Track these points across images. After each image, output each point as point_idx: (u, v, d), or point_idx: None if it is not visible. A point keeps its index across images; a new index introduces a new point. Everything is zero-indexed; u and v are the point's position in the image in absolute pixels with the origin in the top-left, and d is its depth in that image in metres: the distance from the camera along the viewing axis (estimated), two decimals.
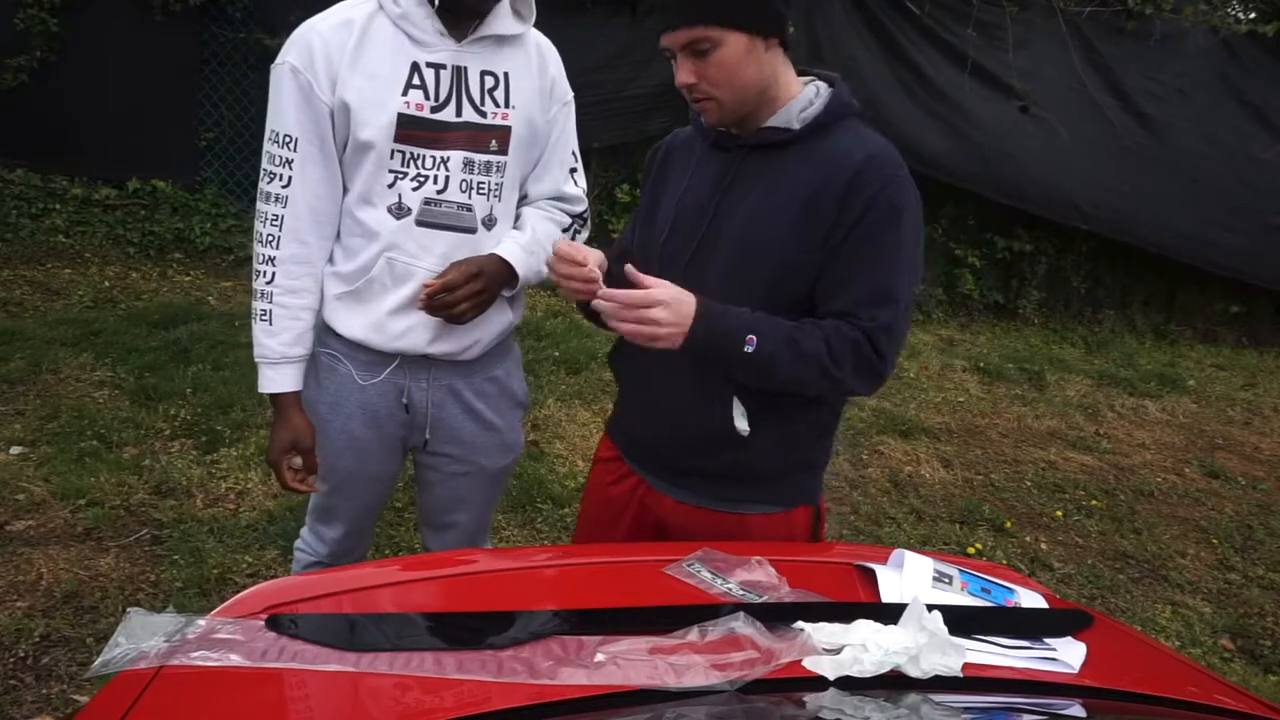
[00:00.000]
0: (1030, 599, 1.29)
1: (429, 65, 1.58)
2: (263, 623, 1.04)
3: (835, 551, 1.43)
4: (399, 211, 1.63)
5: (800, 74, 1.49)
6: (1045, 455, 4.41)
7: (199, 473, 3.20)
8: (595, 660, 0.99)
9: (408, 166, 1.61)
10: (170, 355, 4.04)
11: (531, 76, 1.69)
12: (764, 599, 1.18)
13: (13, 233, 5.12)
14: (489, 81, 1.63)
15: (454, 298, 1.63)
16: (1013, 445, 4.50)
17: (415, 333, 1.67)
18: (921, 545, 3.37)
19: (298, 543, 1.97)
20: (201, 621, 1.04)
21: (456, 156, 1.62)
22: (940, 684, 1.02)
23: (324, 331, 1.72)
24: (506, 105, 1.65)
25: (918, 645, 1.04)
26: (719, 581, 1.22)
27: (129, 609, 1.08)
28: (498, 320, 1.78)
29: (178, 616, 1.05)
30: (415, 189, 1.62)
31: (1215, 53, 6.21)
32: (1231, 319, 6.91)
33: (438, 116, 1.59)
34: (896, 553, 1.33)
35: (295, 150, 1.60)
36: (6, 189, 5.23)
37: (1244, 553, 3.72)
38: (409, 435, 1.79)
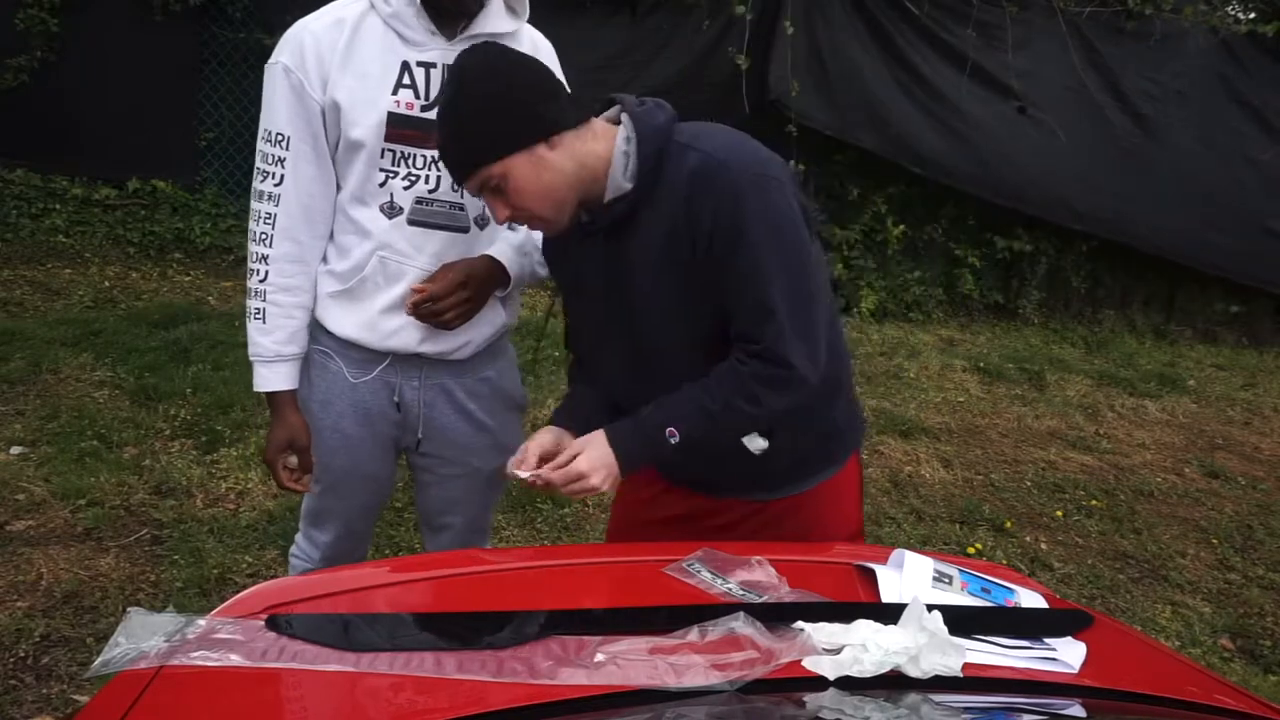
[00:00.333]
0: (1030, 599, 1.29)
1: (419, 64, 1.58)
2: (263, 623, 1.04)
3: (835, 551, 1.44)
4: (391, 210, 1.63)
5: (605, 104, 1.45)
6: (1045, 455, 4.41)
7: (199, 473, 3.20)
8: (595, 660, 0.99)
9: (399, 165, 1.61)
10: (170, 355, 4.04)
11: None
12: (764, 599, 1.18)
13: (13, 233, 5.12)
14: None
15: (440, 306, 1.64)
16: (1013, 445, 4.50)
17: (406, 332, 1.68)
18: (921, 545, 3.37)
19: (293, 549, 1.97)
20: (201, 621, 1.04)
21: (422, 162, 1.62)
22: (940, 684, 1.02)
23: (316, 329, 1.72)
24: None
25: (918, 645, 1.04)
26: (719, 581, 1.22)
27: (129, 609, 1.08)
28: (490, 320, 1.77)
29: (178, 616, 1.06)
30: (407, 188, 1.62)
31: (1214, 53, 6.20)
32: (1231, 319, 6.90)
33: (429, 115, 1.58)
34: (896, 553, 1.33)
35: (288, 149, 1.61)
36: (6, 189, 5.23)
37: (1244, 553, 3.72)
38: (401, 435, 1.79)
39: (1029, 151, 6.07)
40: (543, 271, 1.74)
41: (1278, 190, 6.38)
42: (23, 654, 2.28)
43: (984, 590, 1.27)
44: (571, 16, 5.45)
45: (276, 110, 1.60)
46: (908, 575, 1.26)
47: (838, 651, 1.04)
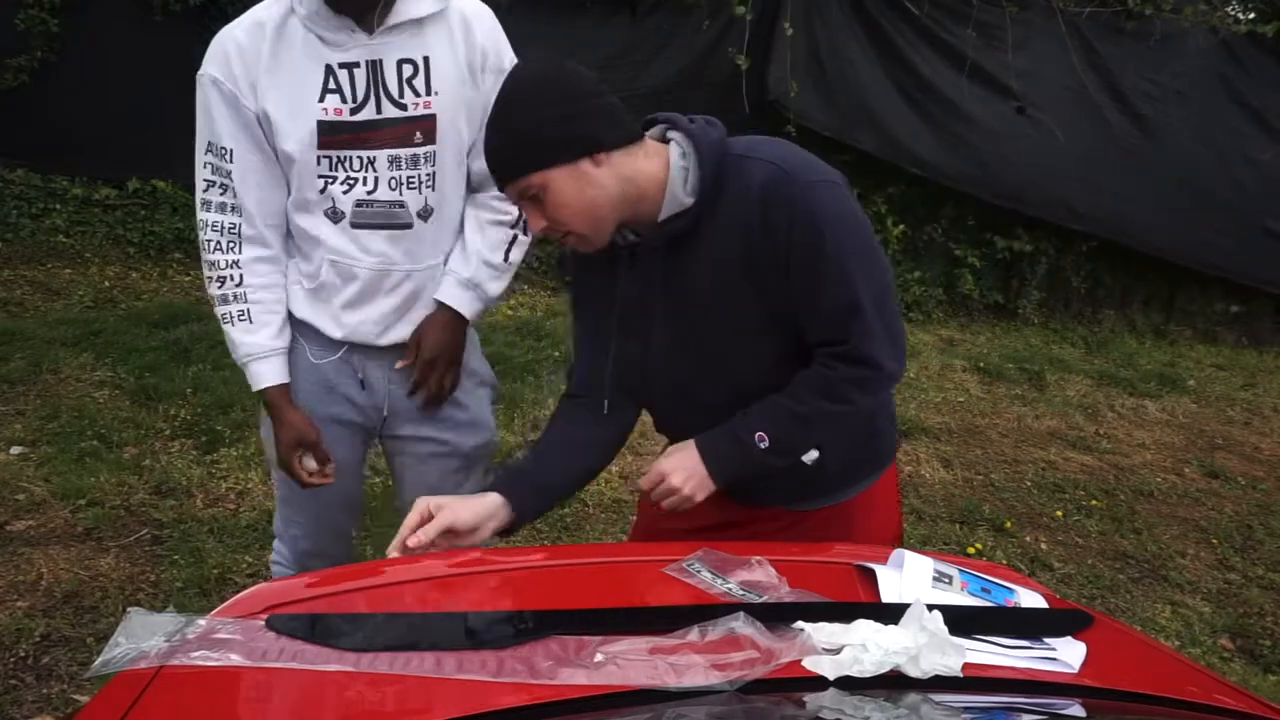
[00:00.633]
0: (1030, 599, 1.29)
1: (342, 66, 1.55)
2: (263, 623, 1.04)
3: (835, 551, 1.43)
4: (335, 215, 1.64)
5: (648, 124, 1.42)
6: (1045, 455, 4.41)
7: (199, 473, 3.20)
8: (595, 660, 0.99)
9: (336, 170, 1.61)
10: (170, 355, 4.04)
11: (456, 52, 1.63)
12: (764, 599, 1.18)
13: (13, 233, 5.12)
14: (407, 70, 1.59)
15: (431, 391, 1.74)
16: (1013, 445, 4.50)
17: (366, 326, 1.71)
18: (921, 545, 3.37)
19: (272, 555, 1.97)
20: (202, 621, 1.04)
21: (382, 156, 1.60)
22: (940, 684, 1.03)
23: None
24: (428, 93, 1.61)
25: (918, 645, 1.04)
26: (719, 581, 1.22)
27: (129, 609, 1.08)
28: None
29: (178, 616, 1.06)
30: (346, 192, 1.62)
31: (1214, 53, 6.20)
32: (1231, 319, 6.90)
33: (358, 118, 1.57)
34: (896, 553, 1.33)
35: (233, 161, 1.61)
36: (7, 189, 5.23)
37: (1244, 553, 3.72)
38: (367, 418, 1.79)
39: (1028, 152, 6.07)
40: (495, 287, 1.79)
41: (1277, 190, 6.38)
42: (23, 654, 2.28)
43: (984, 590, 1.27)
44: (571, 16, 5.45)
45: (215, 122, 1.59)
46: (908, 575, 1.26)
47: (838, 651, 1.04)
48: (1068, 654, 1.15)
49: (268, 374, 1.68)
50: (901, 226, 6.13)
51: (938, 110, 6.01)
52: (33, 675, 2.22)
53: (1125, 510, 3.95)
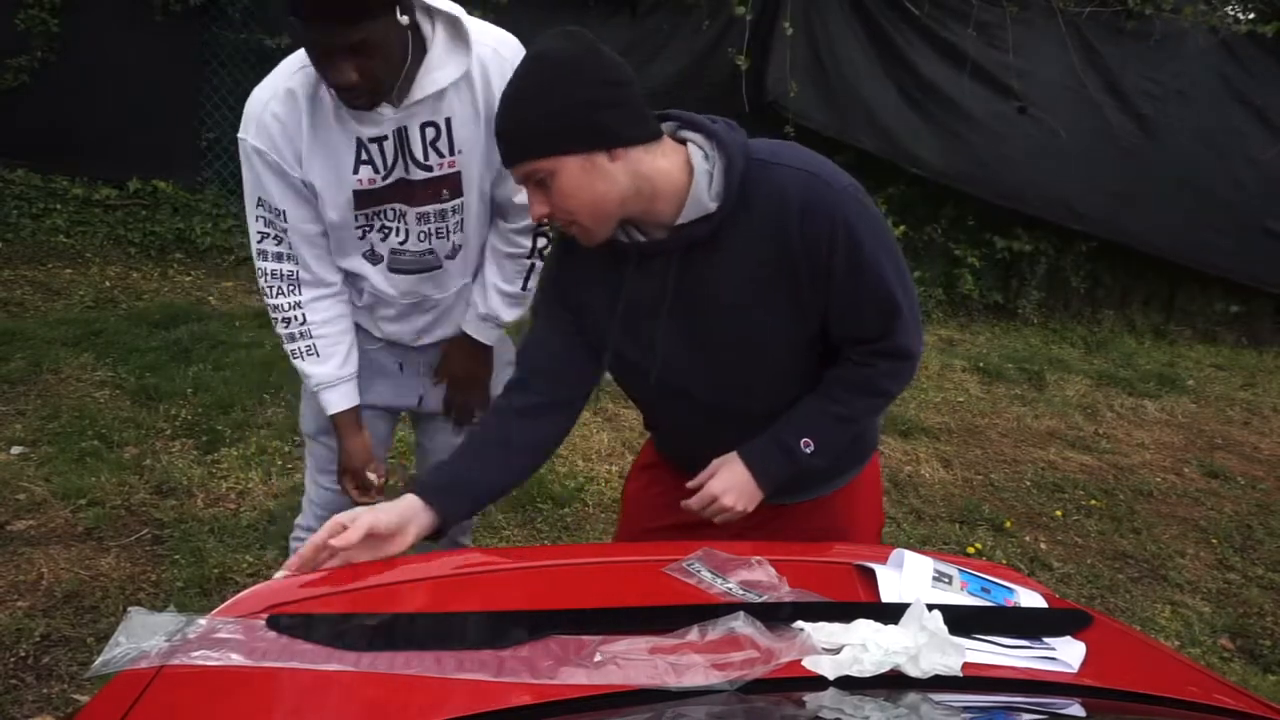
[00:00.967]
0: (1030, 599, 1.29)
1: (372, 140, 1.60)
2: (263, 622, 1.04)
3: (835, 551, 1.44)
4: (373, 258, 1.75)
5: (662, 119, 1.37)
6: (1045, 455, 4.41)
7: (200, 472, 3.20)
8: (595, 660, 0.99)
9: (372, 221, 1.70)
10: (171, 355, 4.04)
11: (477, 108, 1.64)
12: (764, 599, 1.18)
13: (13, 233, 5.12)
14: (430, 133, 1.63)
15: (458, 407, 1.94)
16: (1012, 445, 4.50)
17: (404, 334, 1.89)
18: (921, 545, 3.37)
19: (291, 535, 2.04)
20: (202, 621, 1.04)
21: (411, 213, 1.68)
22: (940, 683, 1.03)
23: None
24: (451, 152, 1.65)
25: (917, 645, 1.04)
26: (719, 581, 1.22)
27: (129, 608, 1.08)
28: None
29: (178, 616, 1.06)
30: (383, 239, 1.72)
31: (1214, 53, 6.20)
32: (1231, 319, 6.90)
33: (388, 183, 1.65)
34: (896, 552, 1.33)
35: (287, 220, 1.68)
36: (7, 189, 5.23)
37: (1244, 553, 3.72)
38: (401, 398, 1.93)
39: (1029, 152, 6.07)
40: (511, 314, 1.92)
41: (1277, 190, 6.38)
42: (23, 653, 2.28)
43: (984, 590, 1.27)
44: (571, 16, 5.45)
45: (265, 186, 1.65)
46: (907, 575, 1.26)
47: (838, 651, 1.05)
48: (1067, 654, 1.15)
49: (337, 401, 1.79)
50: (901, 227, 6.13)
51: (938, 110, 6.00)
52: (33, 675, 2.22)
53: (1125, 510, 3.95)
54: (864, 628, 1.07)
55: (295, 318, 1.73)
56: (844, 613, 1.11)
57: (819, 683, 1.00)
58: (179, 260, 5.35)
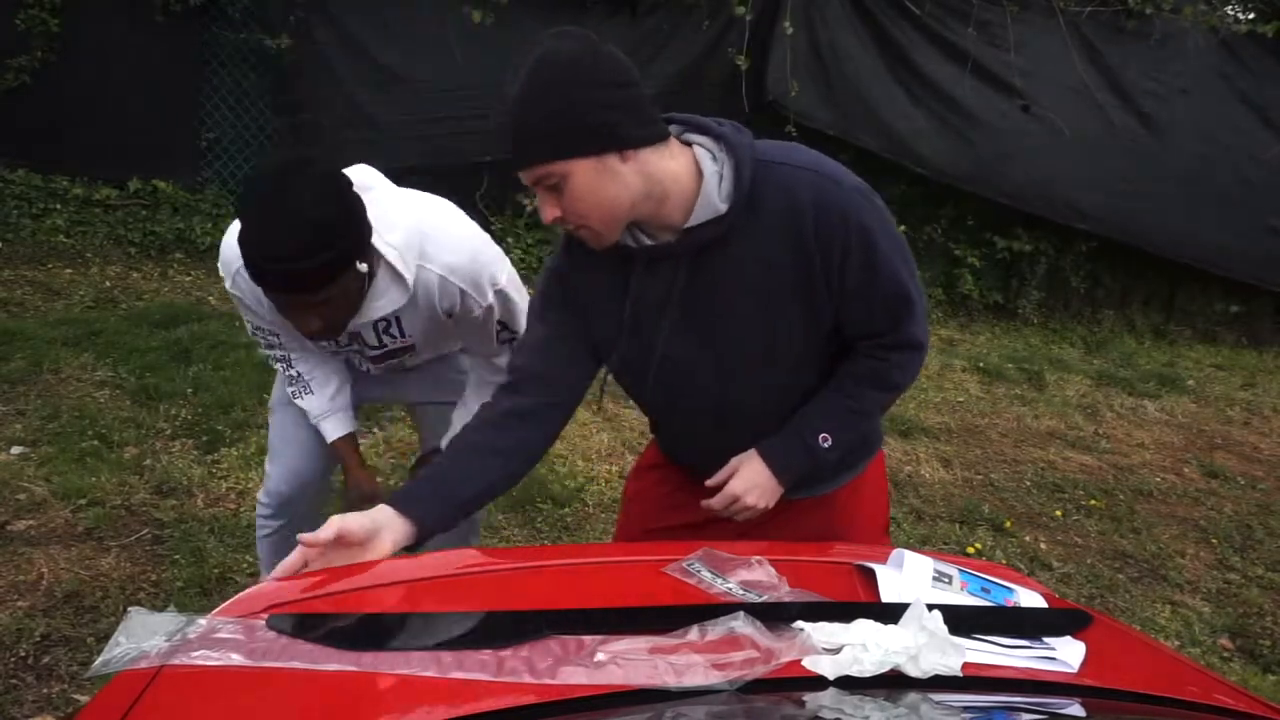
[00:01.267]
0: (1030, 599, 1.29)
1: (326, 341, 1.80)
2: (263, 622, 1.04)
3: (835, 551, 1.44)
4: (349, 363, 1.99)
5: (666, 122, 1.35)
6: (1045, 455, 4.41)
7: (200, 472, 3.20)
8: (595, 660, 0.99)
9: (338, 352, 1.91)
10: (171, 355, 4.04)
11: (422, 314, 1.75)
12: (764, 599, 1.18)
13: (13, 233, 5.12)
14: (383, 325, 1.76)
15: None
16: (1012, 445, 4.50)
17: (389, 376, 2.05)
18: (921, 545, 3.37)
19: (256, 512, 2.13)
20: (202, 621, 1.04)
21: (368, 363, 1.91)
22: (940, 683, 1.03)
23: None
24: (403, 336, 1.80)
25: (917, 645, 1.04)
26: (719, 581, 1.22)
27: (130, 608, 1.08)
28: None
29: (178, 616, 1.06)
30: (352, 357, 1.95)
31: (1215, 52, 6.21)
32: (1231, 319, 6.91)
33: (345, 349, 1.86)
34: (896, 552, 1.33)
35: (280, 336, 1.86)
36: (7, 189, 5.23)
37: (1243, 553, 3.72)
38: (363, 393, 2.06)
39: (1033, 151, 6.08)
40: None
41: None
42: (23, 653, 2.28)
43: (984, 590, 1.27)
44: (572, 17, 5.45)
45: (259, 315, 1.80)
46: (907, 575, 1.26)
47: (838, 651, 1.04)
48: (1067, 653, 1.15)
49: (333, 429, 1.91)
50: (902, 227, 6.11)
51: (941, 109, 6.01)
52: (33, 675, 2.22)
53: (1124, 510, 3.95)
54: (864, 628, 1.07)
55: (292, 376, 1.91)
56: (844, 613, 1.11)
57: (819, 683, 1.00)
58: (179, 260, 5.35)
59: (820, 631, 1.07)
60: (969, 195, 6.20)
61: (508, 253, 6.39)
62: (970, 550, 3.41)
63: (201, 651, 0.98)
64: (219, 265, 1.74)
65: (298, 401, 1.93)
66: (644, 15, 5.67)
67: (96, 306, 4.60)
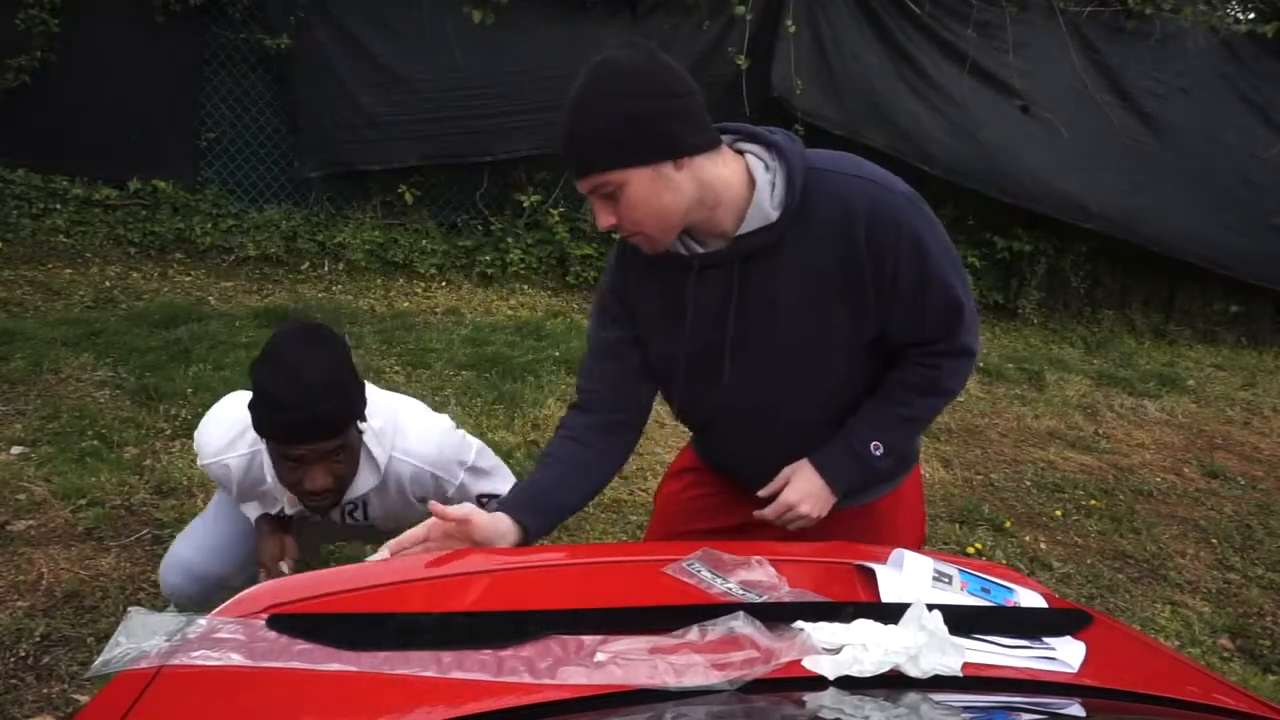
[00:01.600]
0: (1030, 599, 1.29)
1: (295, 511, 1.87)
2: (264, 622, 1.04)
3: (835, 551, 1.44)
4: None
5: (719, 131, 1.38)
6: (1045, 455, 4.41)
7: (200, 473, 3.19)
8: (595, 660, 0.99)
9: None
10: (171, 355, 4.04)
11: (391, 499, 1.87)
12: (764, 599, 1.18)
13: (13, 233, 5.12)
14: (349, 506, 1.86)
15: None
16: (1012, 445, 4.50)
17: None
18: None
19: (168, 579, 2.13)
20: (202, 621, 1.04)
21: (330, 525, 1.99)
22: (940, 683, 1.03)
23: None
24: (366, 519, 1.91)
25: (917, 645, 1.04)
26: (719, 581, 1.22)
27: (130, 608, 1.08)
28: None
29: (178, 616, 1.06)
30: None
31: (1215, 52, 6.21)
32: (1231, 319, 6.90)
33: (306, 521, 1.93)
34: (896, 552, 1.33)
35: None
36: (7, 189, 5.23)
37: (1243, 553, 3.72)
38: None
39: (1036, 150, 6.08)
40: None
41: None
42: (23, 653, 2.28)
43: (984, 590, 1.27)
44: (572, 16, 5.46)
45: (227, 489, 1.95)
46: (907, 575, 1.26)
47: (838, 651, 1.04)
48: (1067, 653, 1.15)
49: (253, 510, 1.97)
50: None
51: (946, 108, 6.01)
52: (33, 675, 2.22)
53: (1124, 510, 3.95)
54: (864, 628, 1.07)
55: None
56: (844, 613, 1.11)
57: (819, 683, 1.00)
58: (179, 260, 5.35)
59: (820, 631, 1.07)
60: (969, 195, 6.20)
61: (507, 252, 6.34)
62: (970, 550, 3.41)
63: (201, 651, 0.99)
64: (195, 447, 1.91)
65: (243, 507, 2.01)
66: (644, 15, 5.67)
67: (96, 306, 4.60)
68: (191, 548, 2.00)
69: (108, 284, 4.91)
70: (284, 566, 1.90)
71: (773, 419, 1.50)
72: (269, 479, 1.80)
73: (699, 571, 1.25)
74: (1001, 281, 6.59)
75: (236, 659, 0.98)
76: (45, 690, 2.18)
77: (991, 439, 4.53)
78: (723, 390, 1.47)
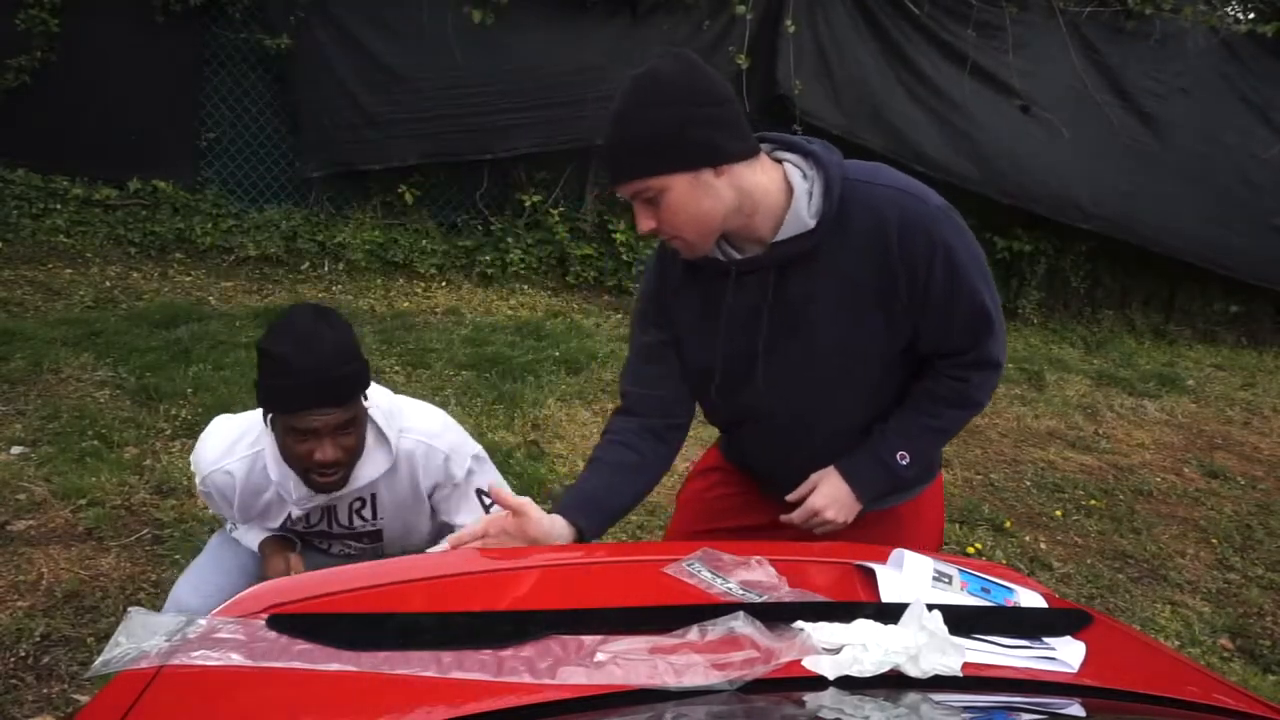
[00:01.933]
0: (1030, 599, 1.29)
1: (300, 516, 1.85)
2: (264, 622, 1.04)
3: (835, 551, 1.44)
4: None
5: (760, 138, 1.39)
6: (1045, 455, 4.41)
7: None
8: (595, 660, 0.99)
9: (302, 532, 1.94)
10: (171, 355, 4.05)
11: (401, 488, 1.85)
12: (764, 599, 1.18)
13: (14, 233, 5.13)
14: (357, 504, 1.85)
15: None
16: (1012, 445, 4.50)
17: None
18: None
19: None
20: (202, 621, 1.04)
21: (336, 544, 1.97)
22: (940, 683, 1.03)
23: None
24: (375, 519, 1.88)
25: (918, 645, 1.04)
26: (719, 581, 1.22)
27: (130, 608, 1.08)
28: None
29: (178, 616, 1.06)
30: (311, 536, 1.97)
31: (1215, 52, 6.22)
32: (1231, 319, 6.91)
33: (311, 531, 1.91)
34: (896, 552, 1.33)
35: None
36: (7, 189, 5.23)
37: (1243, 553, 3.72)
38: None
39: (1032, 150, 6.08)
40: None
41: None
42: (23, 653, 2.28)
43: (984, 590, 1.27)
44: (572, 16, 5.46)
45: (220, 510, 1.94)
46: (907, 575, 1.26)
47: (838, 651, 1.04)
48: (1067, 653, 1.15)
49: (252, 540, 1.96)
50: None
51: (945, 109, 6.01)
52: (33, 675, 2.22)
53: (1124, 510, 3.95)
54: (864, 628, 1.07)
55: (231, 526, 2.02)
56: (844, 613, 1.11)
57: (819, 683, 1.00)
58: (179, 260, 5.35)
59: (820, 631, 1.07)
60: (968, 196, 6.19)
61: (508, 252, 6.34)
62: (970, 550, 3.41)
63: (201, 651, 0.98)
64: (193, 467, 1.90)
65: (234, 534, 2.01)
66: (644, 15, 5.67)
67: (96, 306, 4.60)
68: (191, 589, 1.96)
69: (108, 284, 4.91)
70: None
71: (802, 424, 1.52)
72: (273, 479, 1.79)
73: (699, 571, 1.25)
74: (1001, 282, 6.59)
75: (236, 659, 0.98)
76: (45, 690, 2.18)
77: (991, 439, 4.53)
78: (754, 394, 1.50)
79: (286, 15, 5.24)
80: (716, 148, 1.29)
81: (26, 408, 3.47)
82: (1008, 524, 3.66)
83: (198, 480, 1.90)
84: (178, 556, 2.72)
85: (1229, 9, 6.54)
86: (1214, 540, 3.77)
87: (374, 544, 1.99)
